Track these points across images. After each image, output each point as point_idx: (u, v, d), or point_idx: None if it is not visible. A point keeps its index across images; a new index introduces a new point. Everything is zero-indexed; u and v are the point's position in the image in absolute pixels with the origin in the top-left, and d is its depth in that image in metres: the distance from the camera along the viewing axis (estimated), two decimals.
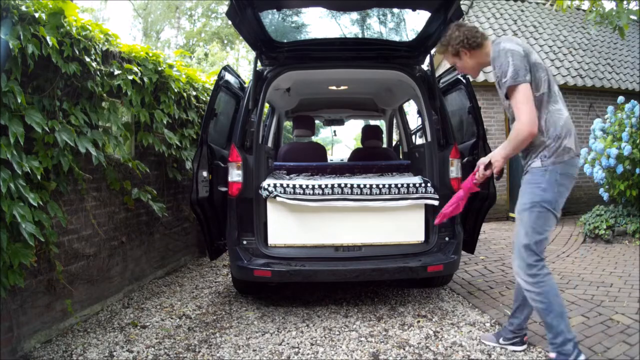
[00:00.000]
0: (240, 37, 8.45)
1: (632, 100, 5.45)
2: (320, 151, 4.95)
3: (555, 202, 2.30)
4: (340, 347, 2.77)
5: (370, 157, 4.88)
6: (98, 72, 3.13)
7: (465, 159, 3.60)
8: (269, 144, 5.11)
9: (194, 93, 4.67)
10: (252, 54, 3.73)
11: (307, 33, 3.74)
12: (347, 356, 2.65)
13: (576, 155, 2.35)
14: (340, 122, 7.61)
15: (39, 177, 2.55)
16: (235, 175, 3.30)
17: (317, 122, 7.11)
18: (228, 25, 23.23)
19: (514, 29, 8.63)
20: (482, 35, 2.47)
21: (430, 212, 3.41)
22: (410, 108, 6.84)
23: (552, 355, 2.31)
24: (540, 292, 2.27)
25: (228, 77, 3.72)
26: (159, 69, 3.87)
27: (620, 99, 5.64)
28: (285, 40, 3.65)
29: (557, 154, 2.28)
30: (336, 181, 3.35)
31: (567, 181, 2.33)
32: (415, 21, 3.34)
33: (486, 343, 2.72)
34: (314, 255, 3.31)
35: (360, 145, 5.82)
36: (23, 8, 2.49)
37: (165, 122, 3.97)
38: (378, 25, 3.68)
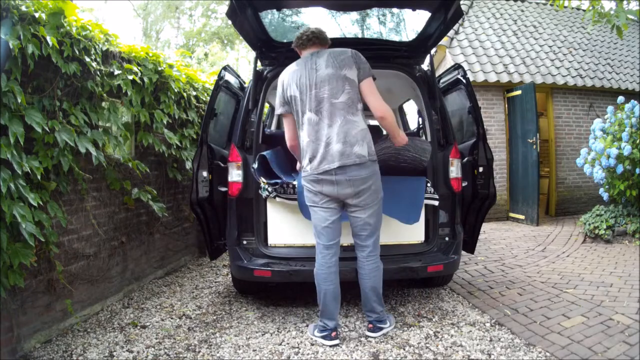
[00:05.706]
0: (240, 37, 8.44)
1: (632, 100, 5.45)
2: None
3: None
4: (340, 347, 2.77)
5: None
6: (98, 72, 3.13)
7: (465, 159, 3.59)
8: None
9: (194, 93, 4.67)
10: (252, 54, 3.73)
11: None
12: (347, 356, 2.65)
13: None
14: None
15: (39, 177, 2.55)
16: (235, 175, 3.30)
17: None
18: (228, 25, 23.19)
19: (514, 29, 8.63)
20: None
21: (430, 212, 3.41)
22: (410, 108, 6.83)
23: None
24: None
25: (228, 77, 3.71)
26: (159, 69, 3.87)
27: (620, 99, 5.64)
28: (285, 40, 3.65)
29: None
30: None
31: None
32: (415, 21, 3.34)
33: None
34: (314, 255, 3.31)
35: None
36: (23, 8, 2.48)
37: (165, 122, 3.97)
38: (378, 25, 3.67)
